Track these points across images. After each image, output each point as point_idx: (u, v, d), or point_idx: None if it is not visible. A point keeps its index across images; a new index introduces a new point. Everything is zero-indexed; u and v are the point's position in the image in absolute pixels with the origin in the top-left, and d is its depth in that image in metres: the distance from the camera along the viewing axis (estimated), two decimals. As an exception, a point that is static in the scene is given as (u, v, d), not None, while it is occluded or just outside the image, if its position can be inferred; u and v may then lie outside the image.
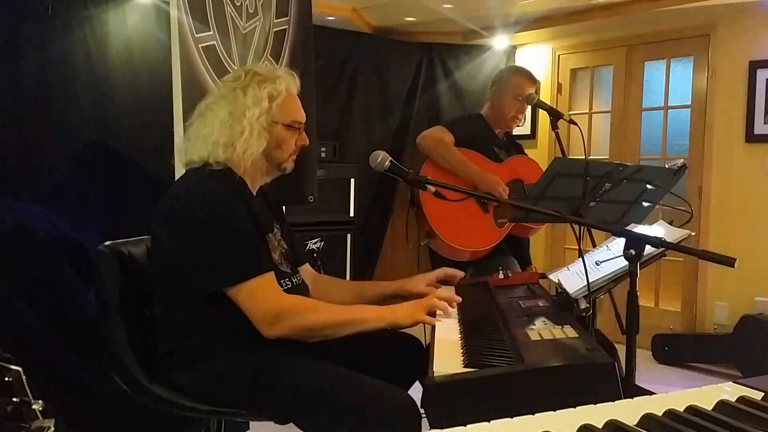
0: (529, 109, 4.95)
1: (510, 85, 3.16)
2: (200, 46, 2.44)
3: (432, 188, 1.96)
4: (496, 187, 2.94)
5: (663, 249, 1.77)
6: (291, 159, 1.85)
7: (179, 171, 2.22)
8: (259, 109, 1.74)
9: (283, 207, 2.05)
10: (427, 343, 1.82)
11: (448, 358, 1.48)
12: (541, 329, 1.59)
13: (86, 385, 2.24)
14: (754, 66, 3.98)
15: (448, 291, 1.94)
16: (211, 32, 2.51)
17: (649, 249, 1.62)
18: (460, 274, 2.09)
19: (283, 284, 1.78)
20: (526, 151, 3.48)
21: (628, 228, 1.81)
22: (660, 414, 0.84)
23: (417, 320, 1.71)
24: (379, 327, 1.70)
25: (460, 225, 2.98)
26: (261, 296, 1.63)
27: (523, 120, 3.33)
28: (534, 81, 3.27)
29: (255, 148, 1.73)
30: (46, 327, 2.23)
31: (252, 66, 1.99)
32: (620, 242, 1.71)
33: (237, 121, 1.72)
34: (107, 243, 1.80)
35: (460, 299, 1.80)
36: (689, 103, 4.36)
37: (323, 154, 3.91)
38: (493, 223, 3.06)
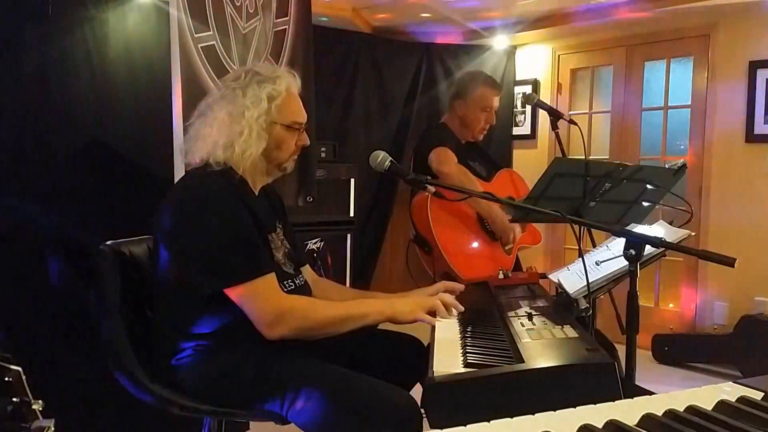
0: (529, 109, 5.01)
1: (475, 97, 3.08)
2: (200, 46, 2.44)
3: (432, 188, 1.96)
4: (509, 233, 2.96)
5: (663, 249, 1.77)
6: (291, 159, 1.85)
7: (179, 171, 2.22)
8: (258, 109, 1.73)
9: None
10: (427, 343, 1.82)
11: (448, 358, 1.48)
12: (541, 329, 1.59)
13: (86, 385, 2.24)
14: (754, 66, 3.97)
15: (452, 297, 1.93)
16: (211, 32, 2.51)
17: (649, 249, 1.62)
18: (460, 287, 2.08)
19: (287, 285, 1.78)
20: (525, 151, 3.47)
21: (628, 228, 1.81)
22: (660, 414, 0.84)
23: (416, 318, 1.71)
24: (379, 321, 1.70)
25: (478, 261, 2.95)
26: (261, 298, 1.63)
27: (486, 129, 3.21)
28: (499, 89, 3.18)
29: (254, 148, 1.72)
30: (46, 327, 2.23)
31: (253, 65, 1.98)
32: (620, 242, 1.71)
33: (236, 122, 1.72)
34: (108, 243, 1.80)
35: (462, 308, 1.79)
36: (689, 103, 4.36)
37: (323, 154, 3.90)
38: (503, 252, 3.05)
